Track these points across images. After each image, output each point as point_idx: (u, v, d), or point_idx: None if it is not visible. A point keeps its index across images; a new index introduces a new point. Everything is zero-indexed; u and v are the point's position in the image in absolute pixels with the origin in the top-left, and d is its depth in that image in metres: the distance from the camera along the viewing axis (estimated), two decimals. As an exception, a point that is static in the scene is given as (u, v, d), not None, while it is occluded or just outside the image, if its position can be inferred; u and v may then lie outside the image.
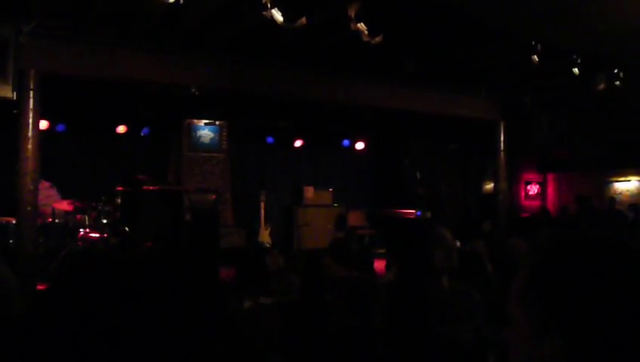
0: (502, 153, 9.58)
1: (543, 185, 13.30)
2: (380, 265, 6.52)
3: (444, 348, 2.86)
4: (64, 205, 8.53)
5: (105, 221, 8.34)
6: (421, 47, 6.97)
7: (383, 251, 9.29)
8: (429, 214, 10.53)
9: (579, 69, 6.95)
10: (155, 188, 8.92)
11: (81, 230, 8.18)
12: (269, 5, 4.34)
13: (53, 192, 8.79)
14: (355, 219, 10.94)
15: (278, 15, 4.40)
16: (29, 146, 6.06)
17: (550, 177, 13.31)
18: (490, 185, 11.32)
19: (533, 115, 9.72)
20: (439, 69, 8.01)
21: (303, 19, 4.51)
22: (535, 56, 6.28)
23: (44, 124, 7.35)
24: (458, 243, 4.07)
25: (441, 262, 2.94)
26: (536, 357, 0.84)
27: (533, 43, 6.41)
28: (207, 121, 11.02)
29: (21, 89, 5.98)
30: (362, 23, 4.72)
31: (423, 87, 8.73)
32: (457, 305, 2.92)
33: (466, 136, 11.55)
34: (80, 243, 8.01)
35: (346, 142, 12.69)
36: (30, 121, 6.06)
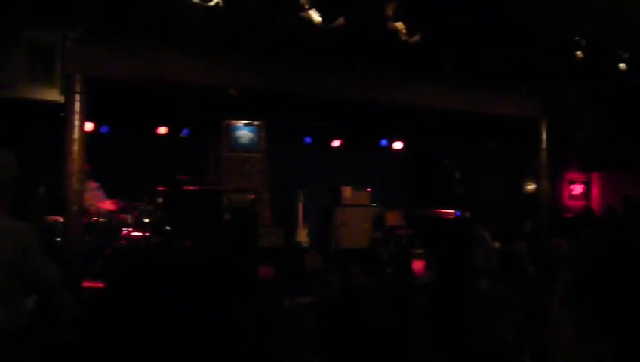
0: (544, 152, 9.39)
1: (587, 185, 12.96)
2: (418, 265, 6.49)
3: (482, 348, 2.84)
4: (108, 205, 8.75)
5: (147, 220, 8.51)
6: (460, 45, 6.90)
7: (421, 252, 9.23)
8: (468, 214, 10.40)
9: (625, 64, 6.77)
10: (195, 188, 9.06)
11: (124, 229, 8.38)
12: (306, 6, 4.37)
13: (100, 193, 9.03)
14: (393, 219, 10.88)
15: (316, 16, 4.42)
16: (75, 148, 6.24)
17: (595, 176, 12.96)
18: (531, 185, 11.11)
19: (577, 112, 9.50)
20: (478, 67, 7.92)
21: (341, 20, 4.52)
22: (579, 52, 6.14)
23: (89, 126, 7.55)
24: (497, 245, 4.02)
25: (480, 263, 2.91)
26: (581, 360, 0.83)
27: (576, 38, 6.27)
28: (245, 122, 11.14)
29: (68, 92, 6.16)
30: (400, 22, 4.70)
31: (462, 86, 8.63)
32: (496, 306, 2.89)
33: (506, 135, 11.36)
34: (123, 241, 8.20)
35: (384, 142, 12.64)
36: (76, 123, 6.24)
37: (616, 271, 0.85)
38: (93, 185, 9.00)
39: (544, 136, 9.38)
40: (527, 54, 7.30)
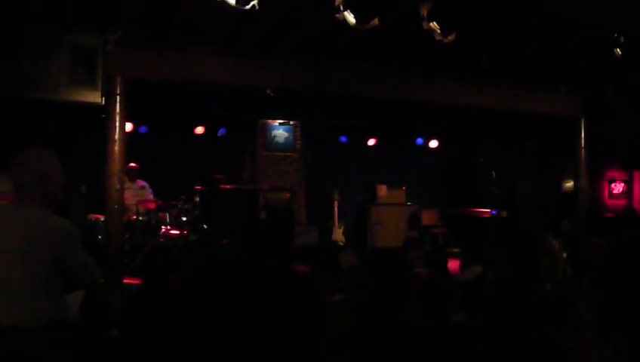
0: (582, 150, 9.21)
1: (628, 184, 12.64)
2: (453, 264, 6.45)
3: (543, 351, 2.81)
4: (147, 203, 8.96)
5: (184, 219, 8.68)
6: (496, 43, 6.83)
7: (457, 250, 9.16)
8: (504, 213, 10.28)
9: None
10: (232, 187, 9.19)
11: (163, 227, 8.56)
12: (341, 8, 4.40)
13: (146, 192, 9.26)
14: (428, 217, 10.83)
15: (350, 17, 4.45)
16: (116, 148, 6.40)
17: (637, 175, 12.63)
18: (570, 183, 10.90)
19: (617, 109, 9.28)
20: (515, 65, 7.81)
21: (376, 21, 4.54)
22: (618, 49, 6.01)
23: (128, 127, 7.74)
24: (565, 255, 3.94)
25: (546, 270, 2.88)
26: (602, 358, 0.85)
27: (615, 35, 6.14)
28: (281, 121, 11.22)
29: (108, 94, 6.33)
30: (434, 22, 4.69)
31: (498, 84, 8.53)
32: (560, 310, 2.86)
33: (544, 133, 11.18)
34: (162, 239, 8.38)
35: (419, 141, 12.57)
36: (117, 124, 6.40)
37: (630, 269, 0.87)
38: (140, 183, 9.23)
39: (583, 134, 9.20)
40: (564, 51, 7.18)
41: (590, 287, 0.92)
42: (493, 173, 10.45)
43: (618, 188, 12.69)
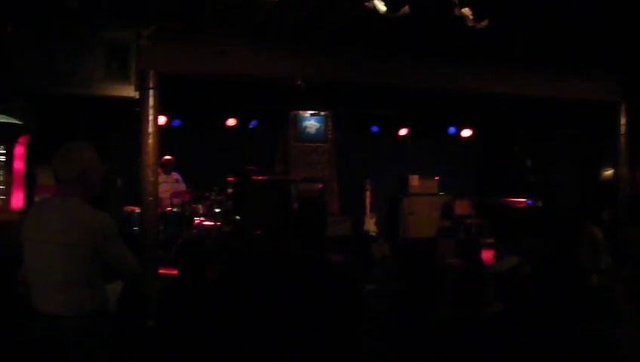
0: (622, 137, 8.97)
1: (670, 171, 12.27)
2: (487, 255, 6.37)
3: (585, 343, 2.76)
4: (181, 195, 9.08)
5: (218, 210, 8.77)
6: (530, 28, 6.68)
7: (491, 241, 9.04)
8: (540, 203, 10.09)
9: None
10: (264, 178, 9.24)
11: (197, 218, 8.67)
12: (371, -4, 4.36)
13: (180, 184, 9.38)
14: (461, 207, 10.69)
15: (380, 5, 4.40)
16: (150, 141, 6.50)
17: (679, 162, 12.25)
18: (609, 172, 10.63)
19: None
20: (551, 51, 7.63)
21: (406, 8, 4.49)
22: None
23: (162, 120, 7.83)
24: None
25: (588, 261, 2.81)
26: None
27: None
28: (312, 112, 11.21)
29: (142, 88, 6.42)
30: (467, 8, 4.61)
31: (533, 70, 8.35)
32: (604, 302, 2.80)
33: (582, 120, 10.91)
34: (195, 230, 8.49)
35: (452, 130, 12.41)
36: (150, 118, 6.50)
37: None
38: (175, 176, 9.37)
39: (623, 120, 8.95)
40: (602, 35, 6.98)
41: (629, 280, 0.89)
42: (528, 162, 10.25)
43: (660, 175, 12.32)
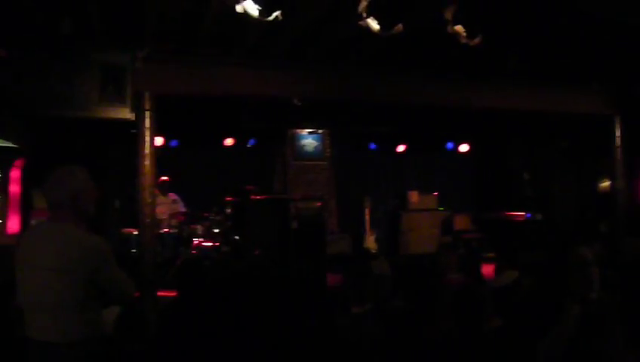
0: (618, 149, 8.98)
1: (668, 182, 12.28)
2: (488, 269, 6.33)
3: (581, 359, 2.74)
4: (179, 216, 9.06)
5: (216, 230, 8.75)
6: (525, 43, 6.72)
7: (491, 255, 9.00)
8: (539, 216, 10.08)
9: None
10: (263, 197, 9.22)
11: (195, 239, 8.64)
12: (364, 15, 4.38)
13: (177, 205, 9.37)
14: (461, 222, 10.67)
15: (374, 24, 4.43)
16: (147, 163, 6.48)
17: (676, 173, 12.26)
18: (605, 184, 10.64)
19: (654, 106, 9.03)
20: (546, 65, 7.67)
21: (400, 26, 4.51)
22: (651, 45, 5.85)
23: (159, 141, 7.85)
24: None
25: (578, 287, 2.78)
26: None
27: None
28: (310, 130, 11.24)
29: (138, 110, 6.43)
30: (460, 26, 4.63)
31: (529, 85, 8.38)
32: (605, 319, 2.78)
33: (578, 133, 10.95)
34: (194, 251, 8.45)
35: (449, 145, 12.44)
36: (147, 139, 6.49)
37: None
38: (172, 196, 9.36)
39: (618, 132, 8.98)
40: (596, 49, 7.02)
41: (620, 299, 0.88)
42: (526, 176, 10.26)
43: (657, 186, 12.32)
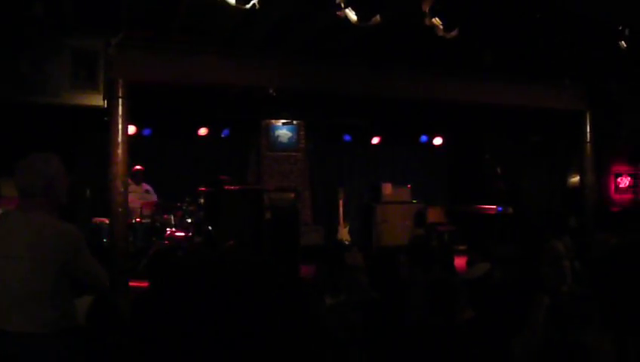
0: (588, 144, 9.16)
1: (635, 178, 12.57)
2: (460, 261, 6.41)
3: (562, 351, 2.78)
4: (151, 205, 8.95)
5: (189, 220, 8.66)
6: (499, 38, 6.79)
7: (463, 248, 9.12)
8: (510, 210, 10.23)
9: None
10: (236, 187, 9.16)
11: (168, 229, 8.55)
12: (342, 5, 4.37)
13: (150, 195, 9.25)
14: (434, 215, 10.78)
15: (352, 14, 4.42)
16: (119, 151, 6.39)
17: (643, 168, 12.56)
18: (576, 179, 10.84)
19: (622, 102, 9.22)
20: (519, 60, 7.77)
21: (377, 18, 4.51)
22: (623, 42, 5.96)
23: (131, 129, 7.72)
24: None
25: (552, 279, 2.83)
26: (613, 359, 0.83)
27: (620, 28, 6.09)
28: (284, 121, 11.20)
29: (111, 97, 6.32)
30: (437, 18, 4.65)
31: (502, 80, 8.49)
32: (578, 309, 2.83)
33: (549, 128, 11.12)
34: (167, 241, 8.37)
35: (424, 138, 12.52)
36: (120, 127, 6.40)
37: (622, 272, 0.85)
38: (145, 186, 9.23)
39: (588, 128, 9.15)
40: (569, 45, 7.13)
41: (603, 289, 0.90)
42: (498, 169, 10.40)
43: (624, 182, 12.62)
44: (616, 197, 12.58)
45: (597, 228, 8.58)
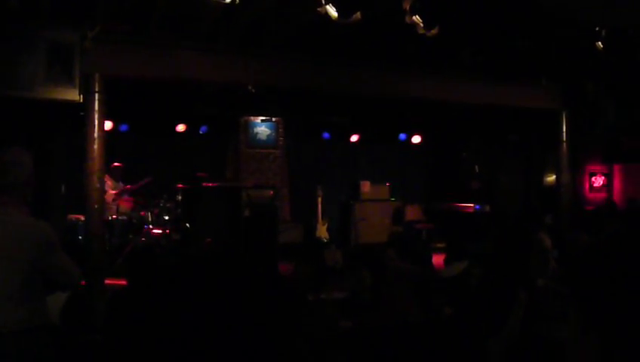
0: (564, 144, 9.27)
1: (609, 177, 12.78)
2: (438, 259, 6.44)
3: (536, 346, 2.80)
4: (128, 202, 8.85)
5: (167, 217, 8.60)
6: (477, 37, 6.84)
7: (441, 245, 9.17)
8: (487, 208, 10.32)
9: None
10: (214, 184, 9.11)
11: (145, 226, 8.46)
12: (323, 1, 4.35)
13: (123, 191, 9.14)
14: (412, 213, 10.84)
15: (332, 11, 4.40)
16: (95, 147, 6.29)
17: (617, 168, 12.78)
18: (551, 177, 10.98)
19: (598, 102, 9.36)
20: (497, 59, 7.83)
21: (358, 15, 4.50)
22: (599, 43, 6.04)
23: (108, 125, 7.61)
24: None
25: (537, 268, 2.86)
26: (582, 354, 0.83)
27: (596, 29, 6.17)
28: (263, 118, 11.16)
29: (87, 92, 6.21)
30: (417, 16, 4.66)
31: (480, 79, 8.54)
32: (551, 305, 2.85)
33: (526, 127, 11.25)
34: (144, 239, 8.28)
35: (402, 136, 12.58)
36: (96, 122, 6.29)
37: (596, 271, 0.86)
38: (121, 185, 9.12)
39: (564, 127, 9.26)
40: (546, 45, 7.21)
41: (574, 285, 0.90)
42: (476, 168, 10.49)
43: (599, 181, 12.83)
44: (591, 196, 12.79)
45: (571, 226, 8.69)
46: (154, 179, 8.94)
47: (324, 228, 10.17)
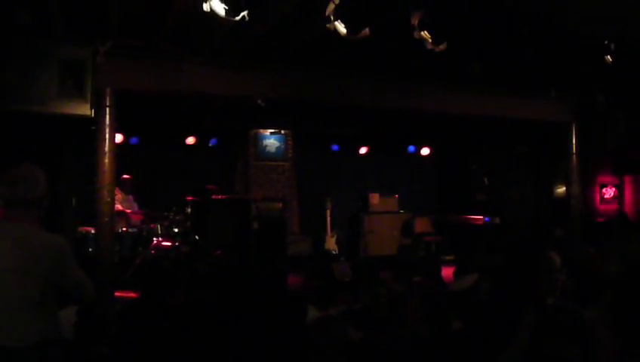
0: (574, 156, 9.24)
1: (619, 188, 12.70)
2: (448, 272, 6.42)
3: None
4: (138, 215, 8.89)
5: (176, 230, 8.62)
6: (487, 50, 6.85)
7: (450, 258, 9.14)
8: (497, 220, 10.28)
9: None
10: (224, 197, 9.14)
11: (155, 239, 8.50)
12: (332, 18, 4.39)
13: (135, 204, 9.20)
14: (421, 225, 10.81)
15: (341, 27, 4.44)
16: (106, 160, 6.35)
17: (628, 179, 12.70)
18: (562, 189, 10.93)
19: (608, 114, 9.33)
20: (506, 72, 7.84)
21: (367, 31, 4.53)
22: (608, 56, 6.04)
23: (118, 138, 7.67)
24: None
25: (546, 286, 2.85)
26: None
27: (606, 42, 6.17)
28: (272, 131, 11.20)
29: (98, 106, 6.28)
30: (425, 32, 4.69)
31: (489, 91, 8.55)
32: (563, 324, 2.83)
33: (536, 139, 11.22)
34: (153, 251, 8.31)
35: (411, 148, 12.58)
36: (107, 136, 6.35)
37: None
38: (131, 197, 9.18)
39: (574, 139, 9.24)
40: (556, 58, 7.21)
41: (611, 308, 0.90)
42: (485, 180, 10.46)
43: (609, 192, 12.75)
44: (602, 207, 12.71)
45: (582, 238, 8.64)
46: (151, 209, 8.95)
47: (333, 240, 10.18)
